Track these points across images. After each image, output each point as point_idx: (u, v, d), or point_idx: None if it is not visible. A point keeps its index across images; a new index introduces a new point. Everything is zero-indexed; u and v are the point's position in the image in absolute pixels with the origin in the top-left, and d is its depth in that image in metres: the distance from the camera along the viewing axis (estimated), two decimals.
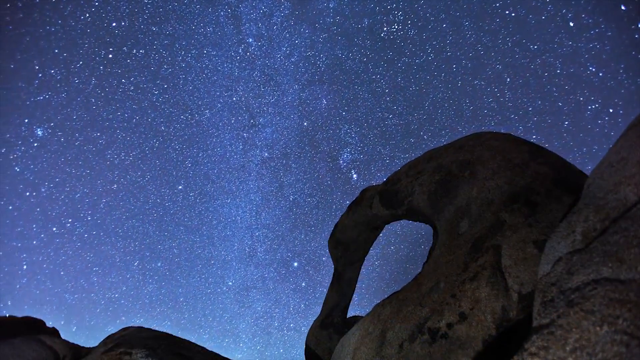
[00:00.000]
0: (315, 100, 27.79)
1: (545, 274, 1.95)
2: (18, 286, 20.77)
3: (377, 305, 4.21)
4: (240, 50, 26.35)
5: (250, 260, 26.93)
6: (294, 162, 27.76)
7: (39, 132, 21.63)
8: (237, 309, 26.05)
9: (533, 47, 23.38)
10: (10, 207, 20.72)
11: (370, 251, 6.99)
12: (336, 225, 6.72)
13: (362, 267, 7.13)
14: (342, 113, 27.98)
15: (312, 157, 27.92)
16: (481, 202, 3.84)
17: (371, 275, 26.82)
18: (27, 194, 21.29)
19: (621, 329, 1.33)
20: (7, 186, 20.59)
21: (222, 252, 26.59)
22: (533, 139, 23.42)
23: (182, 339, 5.07)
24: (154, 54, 24.51)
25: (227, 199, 27.24)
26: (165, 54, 24.81)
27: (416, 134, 27.50)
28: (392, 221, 6.07)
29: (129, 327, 4.95)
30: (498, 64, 24.93)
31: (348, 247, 6.57)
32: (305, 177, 27.70)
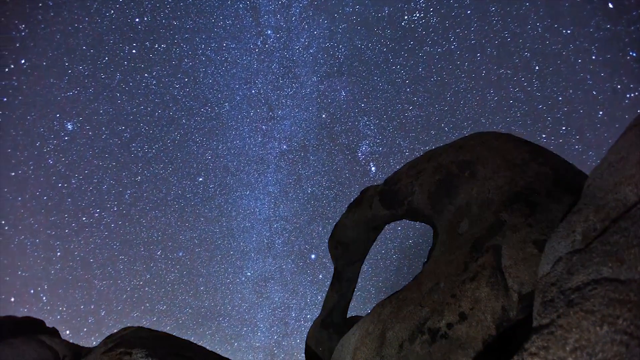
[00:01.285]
0: (334, 92, 27.47)
1: (545, 274, 1.95)
2: (52, 272, 22.09)
3: (377, 305, 4.21)
4: (259, 43, 26.34)
5: (268, 252, 27.20)
6: (312, 155, 27.64)
7: (69, 127, 22.79)
8: (255, 299, 26.56)
9: (566, 32, 21.78)
10: (45, 198, 22.05)
11: (370, 251, 6.98)
12: (336, 225, 6.72)
13: (362, 267, 7.14)
14: (360, 105, 27.51)
15: (330, 150, 27.66)
16: (481, 202, 3.84)
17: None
18: (59, 185, 22.53)
19: (621, 329, 1.33)
20: (42, 178, 21.87)
21: (241, 243, 27.15)
22: (563, 130, 22.58)
23: (182, 339, 5.07)
24: (175, 48, 25.06)
25: (246, 191, 27.53)
26: (185, 47, 25.29)
27: (437, 125, 26.63)
28: (392, 221, 6.07)
29: (129, 327, 4.95)
30: (526, 52, 23.37)
31: (348, 247, 6.57)
32: (323, 169, 27.60)
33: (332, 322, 6.78)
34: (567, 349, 1.45)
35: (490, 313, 2.78)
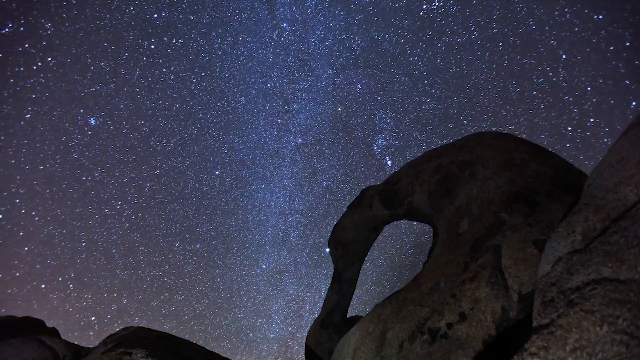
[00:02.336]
0: (350, 85, 27.19)
1: (545, 274, 1.95)
2: (78, 261, 23.14)
3: (377, 305, 4.21)
4: (274, 36, 26.39)
5: (283, 245, 27.56)
6: (328, 149, 27.64)
7: (92, 122, 23.74)
8: (270, 291, 27.06)
9: (597, 17, 20.45)
10: (70, 190, 23.14)
11: (370, 251, 6.98)
12: (336, 226, 6.72)
13: (362, 267, 7.13)
14: (377, 98, 27.12)
15: (346, 143, 27.54)
16: (481, 202, 3.84)
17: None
18: (83, 178, 23.56)
19: (621, 329, 1.33)
20: (67, 171, 22.98)
21: (257, 236, 27.55)
22: (591, 122, 21.52)
23: (182, 339, 5.07)
24: (192, 43, 25.33)
25: (262, 185, 27.84)
26: (202, 42, 25.54)
27: (455, 118, 25.89)
28: (392, 221, 6.07)
29: (129, 327, 4.95)
30: (552, 40, 22.02)
31: (348, 248, 6.56)
32: (338, 163, 27.57)
33: (332, 322, 6.78)
34: (567, 349, 1.45)
35: (490, 313, 2.78)
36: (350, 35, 26.40)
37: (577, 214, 2.00)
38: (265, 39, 26.37)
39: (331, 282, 7.09)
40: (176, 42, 24.88)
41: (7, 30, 19.45)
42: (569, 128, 22.57)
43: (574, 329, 1.48)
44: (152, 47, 24.36)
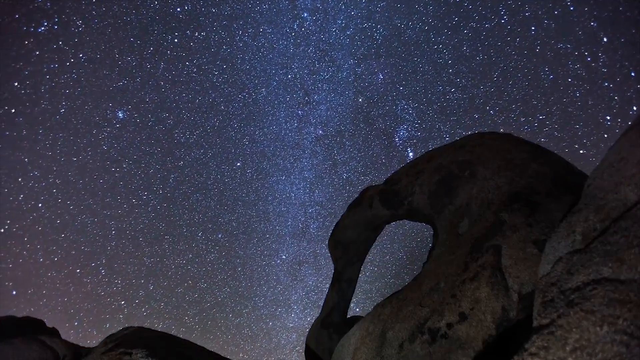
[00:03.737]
0: (371, 75, 26.59)
1: (545, 274, 1.95)
2: (109, 248, 24.36)
3: (378, 305, 4.21)
4: (295, 26, 26.20)
5: (303, 236, 27.71)
6: (348, 140, 27.40)
7: (120, 115, 24.63)
8: (290, 281, 27.41)
9: None
10: (101, 181, 24.35)
11: (370, 251, 6.98)
12: (336, 225, 6.72)
13: (363, 267, 7.13)
14: (399, 88, 26.38)
15: (367, 135, 27.12)
16: (481, 202, 3.84)
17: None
18: (113, 169, 24.63)
19: (621, 329, 1.33)
20: (98, 162, 24.14)
21: (277, 227, 27.85)
22: (633, 111, 19.86)
23: (182, 338, 5.07)
24: (214, 35, 25.59)
25: (282, 176, 27.97)
26: (224, 34, 25.76)
27: (481, 109, 24.70)
28: (392, 221, 6.07)
29: (129, 327, 4.95)
30: (592, 21, 20.15)
31: (348, 247, 6.56)
32: (359, 155, 27.33)
33: (332, 322, 6.78)
34: (567, 349, 1.45)
35: (490, 313, 2.78)
36: (372, 23, 25.73)
37: (577, 214, 2.00)
38: (286, 30, 26.24)
39: (331, 282, 7.09)
40: (198, 35, 25.22)
41: (42, 29, 20.62)
42: (608, 117, 21.06)
43: (574, 329, 1.48)
44: (176, 40, 24.92)
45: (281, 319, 26.87)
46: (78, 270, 23.25)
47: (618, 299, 1.41)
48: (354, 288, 7.10)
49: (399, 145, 26.90)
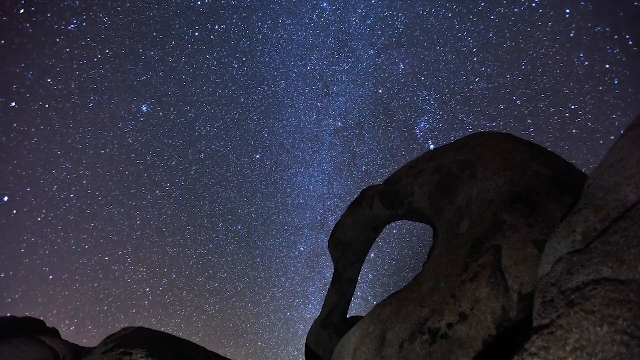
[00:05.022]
0: (392, 66, 25.96)
1: (545, 274, 1.95)
2: (134, 237, 25.46)
3: (377, 305, 4.21)
4: (314, 17, 26.01)
5: (321, 228, 27.92)
6: (368, 132, 27.18)
7: (144, 108, 25.42)
8: (308, 273, 27.77)
9: None
10: (127, 173, 25.31)
11: (370, 251, 6.97)
12: (336, 225, 6.72)
13: (363, 267, 7.13)
14: (420, 78, 25.65)
15: (387, 127, 26.77)
16: (481, 202, 3.84)
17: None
18: (137, 161, 25.56)
19: (621, 329, 1.33)
20: (124, 155, 25.12)
21: (295, 219, 28.18)
22: None
23: (182, 338, 5.07)
24: (234, 28, 25.86)
25: (301, 168, 28.18)
26: (243, 27, 26.02)
27: (507, 98, 23.47)
28: (392, 221, 6.07)
29: (129, 327, 4.95)
30: (636, 1, 18.66)
31: (348, 247, 6.57)
32: (378, 147, 27.06)
33: (332, 322, 6.78)
34: (567, 349, 1.45)
35: (490, 313, 2.78)
36: (394, 11, 25.06)
37: (577, 214, 2.00)
38: (305, 20, 26.12)
39: (331, 281, 7.09)
40: (218, 28, 25.54)
41: (72, 26, 21.57)
42: None
43: (574, 329, 1.48)
44: (197, 34, 25.28)
45: (299, 309, 27.35)
46: (106, 258, 24.49)
47: (618, 299, 1.41)
48: (354, 288, 7.10)
49: (419, 138, 26.40)
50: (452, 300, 3.10)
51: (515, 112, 23.44)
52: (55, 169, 22.84)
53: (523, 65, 22.94)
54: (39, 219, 22.50)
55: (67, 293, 23.26)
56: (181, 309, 25.74)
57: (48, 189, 22.68)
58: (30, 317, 5.99)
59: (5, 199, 21.36)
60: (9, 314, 5.95)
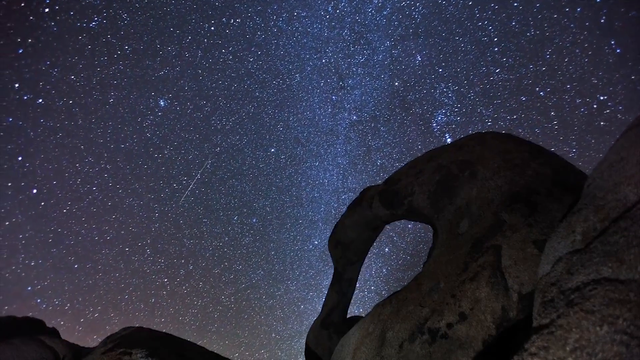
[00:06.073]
0: (409, 57, 25.38)
1: (545, 274, 1.95)
2: (153, 229, 26.22)
3: (377, 305, 4.21)
4: (329, 9, 25.75)
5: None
6: (383, 126, 26.99)
7: (162, 103, 25.94)
8: (322, 266, 28.09)
9: None
10: (145, 166, 25.95)
11: (370, 251, 6.98)
12: (336, 226, 6.72)
13: (363, 267, 7.13)
14: (438, 70, 25.00)
15: (403, 120, 26.43)
16: (481, 202, 3.84)
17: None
18: (155, 155, 26.15)
19: (621, 329, 1.33)
20: (142, 149, 25.72)
21: (310, 213, 28.49)
22: None
23: (182, 339, 5.07)
24: (249, 22, 25.96)
25: (316, 162, 28.30)
26: (258, 20, 26.08)
27: (530, 90, 22.20)
28: (392, 221, 6.07)
29: (129, 327, 4.95)
30: None
31: (348, 247, 6.56)
32: (394, 141, 26.85)
33: (332, 322, 6.78)
34: (567, 349, 1.45)
35: (490, 313, 2.78)
36: (411, 1, 24.39)
37: (577, 214, 2.00)
38: (320, 13, 25.89)
39: (331, 281, 7.09)
40: (234, 22, 25.67)
41: (93, 24, 22.30)
42: None
43: (574, 329, 1.48)
44: (212, 28, 25.48)
45: (312, 302, 27.70)
46: (127, 249, 25.32)
47: (618, 299, 1.41)
48: (354, 288, 7.10)
49: (436, 131, 25.90)
50: (452, 300, 3.10)
51: (538, 104, 22.31)
52: (78, 163, 23.77)
53: (548, 54, 21.62)
54: (64, 210, 23.55)
55: (90, 282, 24.13)
56: (198, 299, 26.32)
57: (72, 182, 23.66)
58: (30, 317, 5.99)
59: (35, 191, 22.54)
60: (9, 314, 5.96)
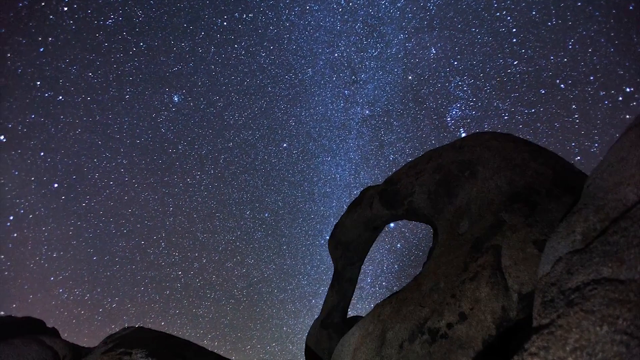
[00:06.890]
0: (423, 50, 24.66)
1: (545, 274, 1.95)
2: (167, 223, 26.59)
3: (377, 305, 4.21)
4: (342, 2, 25.49)
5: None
6: (396, 120, 26.62)
7: (176, 99, 26.34)
8: None
9: None
10: (160, 162, 26.40)
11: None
12: (336, 226, 6.72)
13: (363, 267, 7.13)
14: (453, 63, 24.34)
15: (416, 114, 25.93)
16: (481, 202, 3.84)
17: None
18: (170, 150, 26.63)
19: (621, 329, 1.33)
20: (157, 144, 26.21)
21: (322, 208, 28.43)
22: None
23: (182, 339, 5.07)
24: (261, 16, 26.04)
25: (328, 157, 28.29)
26: (270, 14, 26.12)
27: (550, 82, 21.02)
28: (392, 221, 6.07)
29: (129, 327, 4.95)
30: None
31: (348, 247, 6.56)
32: (407, 135, 26.48)
33: (332, 322, 6.78)
34: (567, 349, 1.45)
35: (490, 313, 2.78)
36: None
37: (577, 214, 2.00)
38: (333, 5, 25.64)
39: (331, 282, 7.09)
40: (246, 17, 25.75)
41: (110, 22, 22.83)
42: None
43: (574, 329, 1.48)
44: (225, 24, 25.64)
45: (324, 297, 27.28)
46: (142, 242, 25.82)
47: (618, 299, 1.41)
48: (354, 288, 7.10)
49: (450, 126, 25.33)
50: (452, 300, 3.10)
51: (559, 97, 21.20)
52: (96, 158, 24.40)
53: (570, 45, 20.44)
54: (83, 204, 24.22)
55: (108, 273, 24.56)
56: (211, 292, 26.59)
57: (90, 177, 24.34)
58: (30, 317, 5.99)
59: (56, 185, 23.23)
60: (9, 314, 5.96)
